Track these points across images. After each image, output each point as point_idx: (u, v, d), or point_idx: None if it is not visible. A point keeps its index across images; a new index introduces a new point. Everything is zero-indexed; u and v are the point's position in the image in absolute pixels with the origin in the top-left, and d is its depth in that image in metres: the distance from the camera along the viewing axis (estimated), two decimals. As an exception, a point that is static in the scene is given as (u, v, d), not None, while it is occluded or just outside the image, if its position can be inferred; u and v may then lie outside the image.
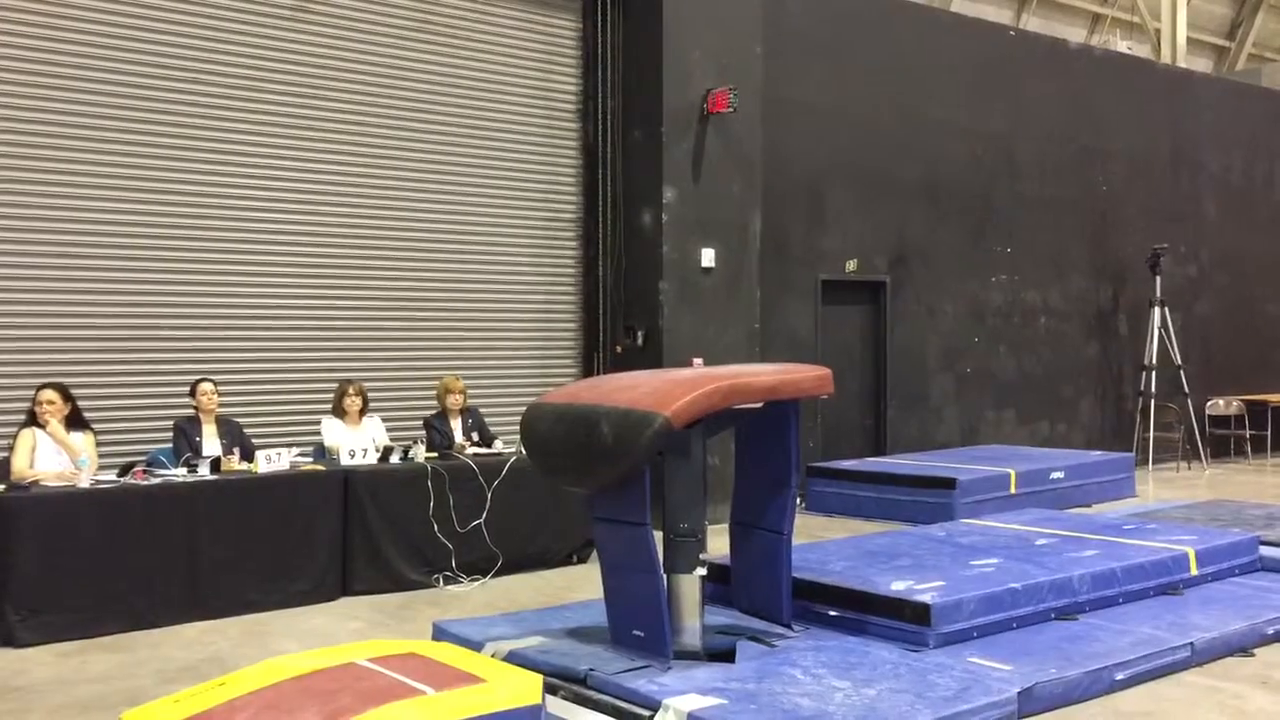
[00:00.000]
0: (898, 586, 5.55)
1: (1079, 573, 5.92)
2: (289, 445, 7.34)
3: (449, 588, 7.15)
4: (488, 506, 7.34)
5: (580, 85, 9.73)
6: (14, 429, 6.69)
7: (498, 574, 7.36)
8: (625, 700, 4.48)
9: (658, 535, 4.85)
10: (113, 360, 7.61)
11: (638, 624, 4.90)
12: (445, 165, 9.03)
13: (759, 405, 5.13)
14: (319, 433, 7.73)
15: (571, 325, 9.75)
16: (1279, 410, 14.27)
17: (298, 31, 8.33)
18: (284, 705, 3.67)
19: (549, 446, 5.05)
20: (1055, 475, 10.05)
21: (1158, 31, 17.66)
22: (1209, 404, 13.92)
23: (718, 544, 5.66)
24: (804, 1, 10.64)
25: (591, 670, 4.70)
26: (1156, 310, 12.95)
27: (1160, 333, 12.96)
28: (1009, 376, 12.35)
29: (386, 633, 6.10)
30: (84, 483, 6.25)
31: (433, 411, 8.20)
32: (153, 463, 6.87)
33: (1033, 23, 19.85)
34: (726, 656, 4.97)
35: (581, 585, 7.02)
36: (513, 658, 4.89)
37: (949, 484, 9.25)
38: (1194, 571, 6.46)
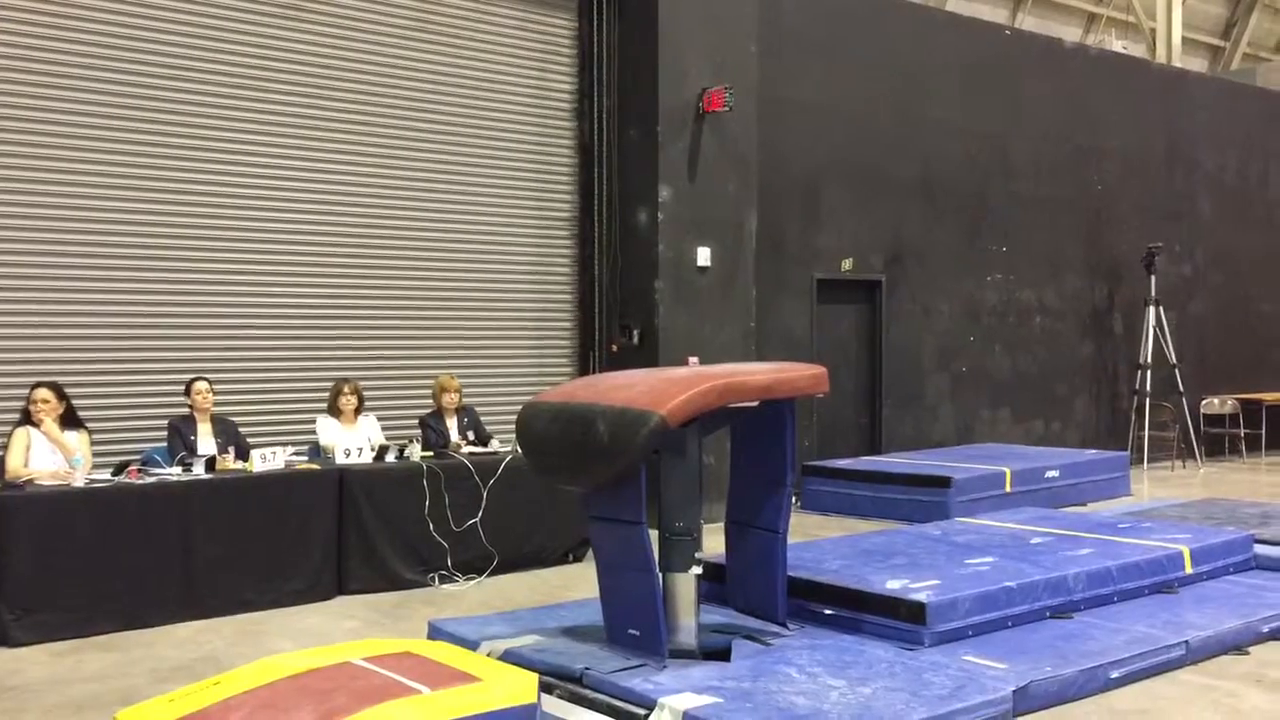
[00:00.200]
0: (893, 585, 5.55)
1: (1074, 571, 5.93)
2: (284, 444, 7.33)
3: (444, 587, 7.14)
4: (483, 505, 7.34)
5: (576, 84, 9.73)
6: (8, 428, 6.68)
7: (493, 573, 7.35)
8: (621, 699, 4.48)
9: (653, 534, 4.85)
10: (107, 359, 7.60)
11: (633, 623, 4.90)
12: (442, 164, 9.03)
13: (754, 404, 5.13)
14: (314, 432, 7.74)
15: (567, 324, 9.75)
16: (1273, 409, 14.29)
17: (297, 32, 8.31)
18: (279, 704, 3.67)
19: (544, 445, 5.05)
20: (1050, 474, 10.06)
21: (1153, 31, 17.72)
22: (1204, 403, 13.94)
23: (713, 543, 5.65)
24: (799, 0, 10.65)
25: (587, 669, 4.70)
26: (1151, 309, 12.96)
27: (1155, 331, 12.97)
28: (1004, 375, 12.37)
29: (382, 632, 6.09)
30: (78, 482, 6.24)
31: (428, 410, 8.20)
32: (147, 462, 6.86)
33: (1028, 22, 19.90)
34: (722, 655, 4.97)
35: (577, 584, 7.02)
36: (508, 657, 4.88)
37: (944, 483, 9.26)
38: (1189, 570, 6.47)
